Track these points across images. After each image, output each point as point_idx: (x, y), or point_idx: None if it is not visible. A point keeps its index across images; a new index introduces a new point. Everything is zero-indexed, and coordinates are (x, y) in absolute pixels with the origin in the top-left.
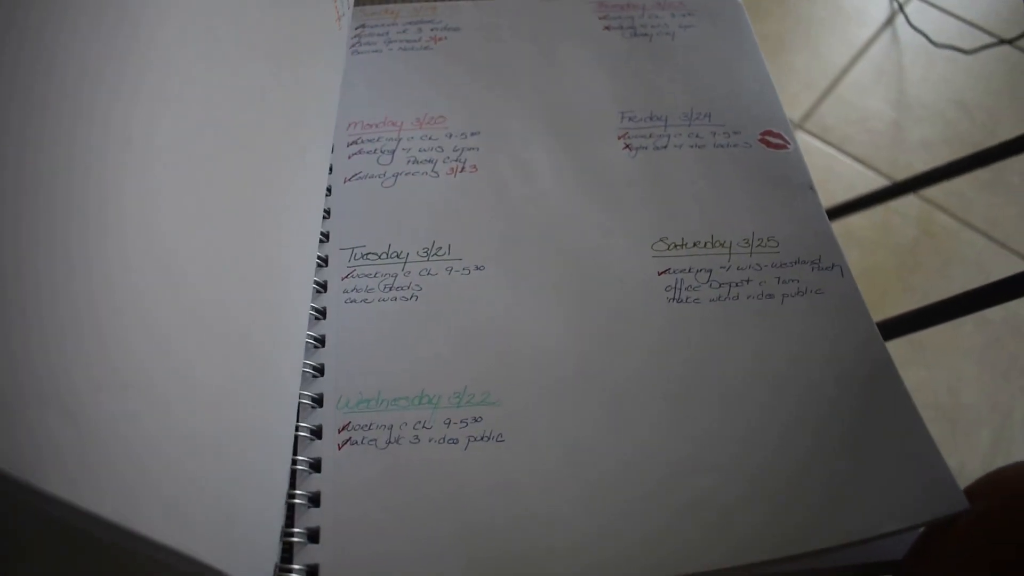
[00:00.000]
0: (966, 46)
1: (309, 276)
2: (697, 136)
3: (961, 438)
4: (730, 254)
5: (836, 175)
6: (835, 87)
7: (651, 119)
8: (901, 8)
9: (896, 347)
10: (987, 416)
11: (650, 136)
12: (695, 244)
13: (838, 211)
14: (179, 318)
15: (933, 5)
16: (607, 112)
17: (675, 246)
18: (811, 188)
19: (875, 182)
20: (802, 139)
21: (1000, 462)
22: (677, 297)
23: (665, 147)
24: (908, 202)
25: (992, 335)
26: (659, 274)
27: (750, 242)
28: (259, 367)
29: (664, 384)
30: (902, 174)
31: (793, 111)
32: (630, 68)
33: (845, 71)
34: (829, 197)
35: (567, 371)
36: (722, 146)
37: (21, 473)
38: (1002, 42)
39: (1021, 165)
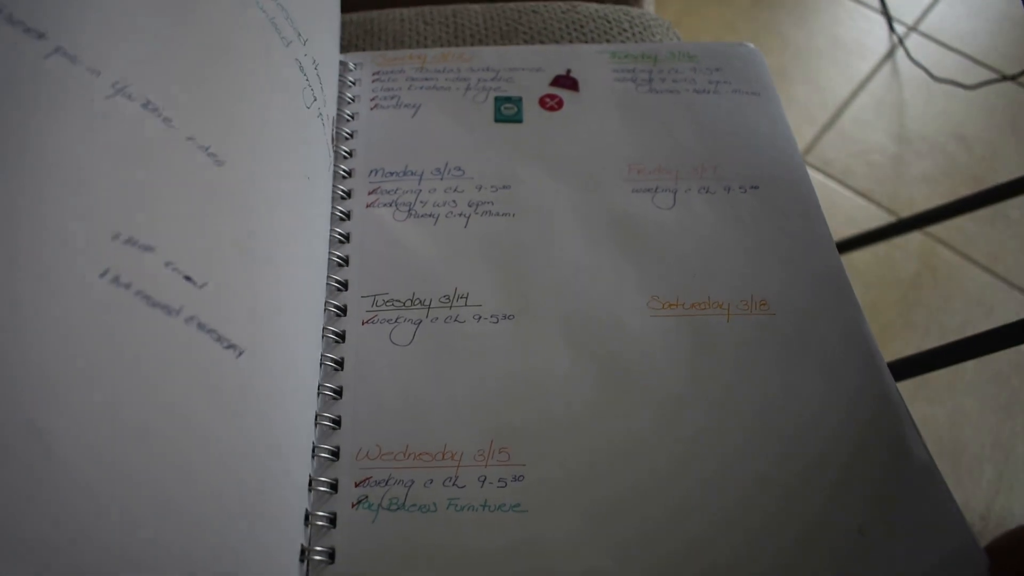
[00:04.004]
0: (966, 81)
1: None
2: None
3: (964, 475)
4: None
5: (837, 208)
6: (836, 120)
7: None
8: (901, 42)
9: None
10: (990, 452)
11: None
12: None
13: (841, 247)
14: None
15: (933, 39)
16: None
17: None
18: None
19: (876, 216)
20: None
21: (1003, 499)
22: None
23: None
24: (910, 237)
25: (994, 370)
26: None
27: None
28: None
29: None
30: (903, 208)
31: None
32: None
33: (846, 104)
34: (831, 232)
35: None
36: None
37: None
38: (1004, 78)
39: (1021, 200)
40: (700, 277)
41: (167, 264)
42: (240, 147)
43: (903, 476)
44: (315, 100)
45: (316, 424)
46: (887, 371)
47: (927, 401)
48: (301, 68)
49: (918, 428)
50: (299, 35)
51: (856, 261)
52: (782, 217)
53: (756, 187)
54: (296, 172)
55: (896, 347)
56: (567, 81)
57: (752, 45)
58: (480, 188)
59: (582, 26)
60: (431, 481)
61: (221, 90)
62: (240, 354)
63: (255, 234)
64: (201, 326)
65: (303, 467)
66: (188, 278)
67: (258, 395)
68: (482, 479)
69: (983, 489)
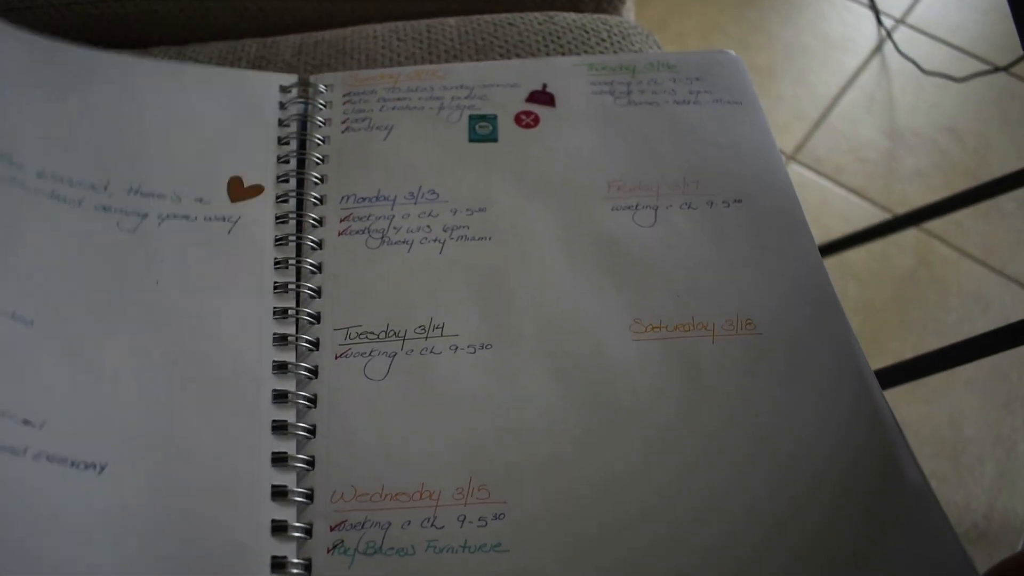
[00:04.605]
0: (956, 73)
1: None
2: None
3: (965, 473)
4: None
5: (830, 207)
6: (826, 117)
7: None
8: (889, 35)
9: (896, 385)
10: (990, 449)
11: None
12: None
13: (835, 245)
14: None
15: (922, 32)
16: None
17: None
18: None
19: (870, 213)
20: (795, 171)
21: (1006, 497)
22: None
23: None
24: (905, 233)
25: (992, 365)
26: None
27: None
28: None
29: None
30: (897, 204)
31: (785, 143)
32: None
33: (835, 100)
34: (824, 231)
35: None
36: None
37: None
38: (996, 69)
39: (1016, 194)
40: (683, 297)
41: (2, 414)
42: (45, 302)
43: (896, 500)
44: (144, 218)
45: (288, 464)
46: (878, 388)
47: (925, 400)
48: (106, 209)
49: (911, 449)
50: (92, 186)
51: (851, 259)
52: (766, 231)
53: (739, 201)
54: (127, 292)
55: (894, 346)
56: (543, 96)
57: (733, 52)
58: (455, 212)
59: (559, 37)
60: (409, 522)
61: (18, 261)
62: (101, 470)
63: (88, 364)
64: (51, 458)
65: (235, 543)
66: (26, 421)
67: (139, 498)
68: (461, 519)
69: (985, 488)
